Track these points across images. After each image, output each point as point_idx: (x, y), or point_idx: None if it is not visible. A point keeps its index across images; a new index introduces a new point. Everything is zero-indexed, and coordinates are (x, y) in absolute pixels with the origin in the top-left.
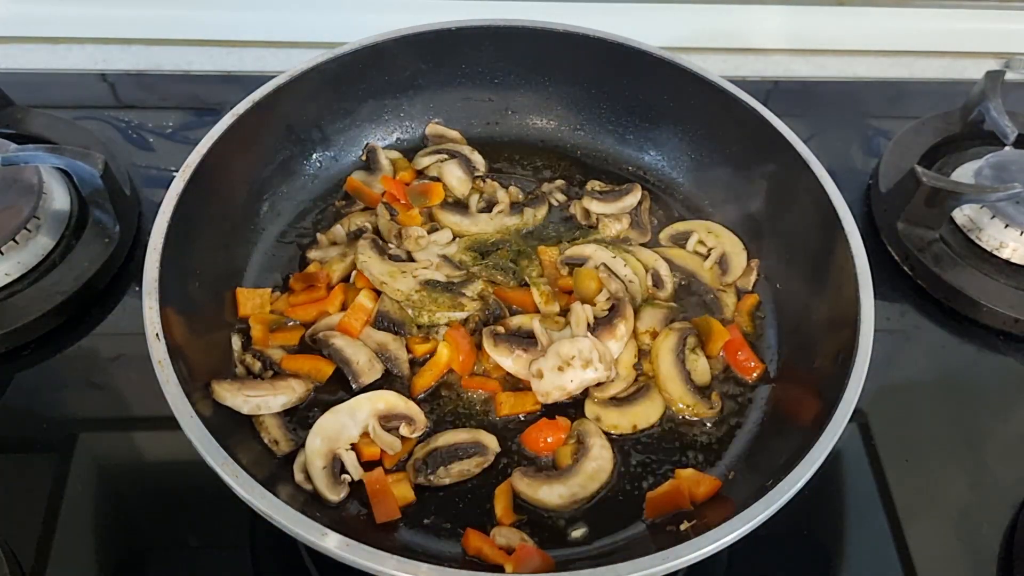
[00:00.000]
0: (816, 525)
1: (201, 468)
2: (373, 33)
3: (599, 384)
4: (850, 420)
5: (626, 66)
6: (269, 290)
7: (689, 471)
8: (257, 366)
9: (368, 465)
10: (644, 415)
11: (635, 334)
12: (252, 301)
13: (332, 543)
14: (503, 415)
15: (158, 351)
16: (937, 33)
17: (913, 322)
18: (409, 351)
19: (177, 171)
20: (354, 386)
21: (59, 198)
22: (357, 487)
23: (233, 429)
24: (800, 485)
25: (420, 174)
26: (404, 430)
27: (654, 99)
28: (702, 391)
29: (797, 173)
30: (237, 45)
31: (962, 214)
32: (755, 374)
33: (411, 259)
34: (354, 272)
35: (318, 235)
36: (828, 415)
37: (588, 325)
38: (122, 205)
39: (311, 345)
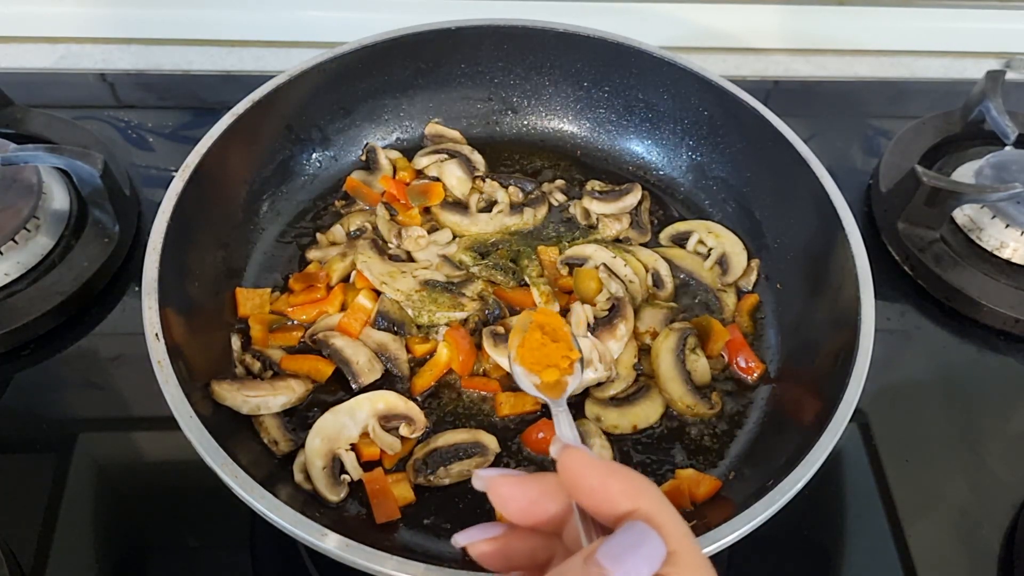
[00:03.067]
0: (816, 525)
1: (201, 468)
2: (373, 33)
3: (599, 384)
4: (850, 420)
5: (626, 66)
6: (269, 290)
7: (689, 471)
8: (257, 366)
9: (368, 465)
10: (644, 415)
11: (635, 334)
12: (252, 301)
13: (332, 543)
14: (503, 415)
15: (158, 351)
16: (937, 33)
17: (913, 322)
18: (409, 351)
19: (177, 171)
20: (354, 386)
21: (59, 198)
22: (357, 487)
23: (233, 429)
24: (800, 485)
25: (420, 174)
26: (404, 430)
27: (654, 99)
28: (702, 391)
29: (797, 173)
30: (237, 45)
31: (962, 214)
32: (755, 374)
33: (411, 259)
34: (354, 272)
35: (318, 235)
36: (828, 415)
37: (588, 325)
38: (122, 205)
39: (311, 345)
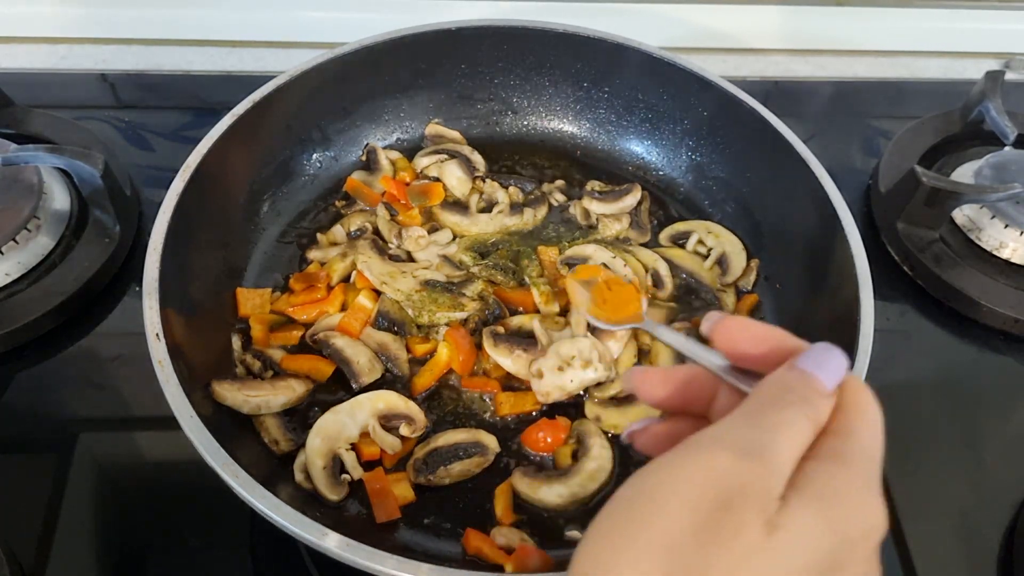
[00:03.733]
0: None
1: (201, 468)
2: (373, 33)
3: (599, 384)
4: None
5: (626, 66)
6: (269, 290)
7: None
8: (257, 366)
9: (368, 465)
10: (644, 415)
11: (635, 334)
12: (252, 301)
13: (332, 543)
14: (503, 415)
15: (158, 351)
16: (937, 33)
17: (913, 322)
18: (409, 351)
19: (177, 171)
20: (354, 386)
21: (59, 198)
22: (357, 487)
23: (233, 429)
24: None
25: (420, 174)
26: (404, 430)
27: (654, 99)
28: None
29: (797, 173)
30: (237, 45)
31: (962, 214)
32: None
33: (411, 259)
34: (354, 272)
35: (318, 235)
36: None
37: (588, 325)
38: (122, 205)
39: (311, 345)
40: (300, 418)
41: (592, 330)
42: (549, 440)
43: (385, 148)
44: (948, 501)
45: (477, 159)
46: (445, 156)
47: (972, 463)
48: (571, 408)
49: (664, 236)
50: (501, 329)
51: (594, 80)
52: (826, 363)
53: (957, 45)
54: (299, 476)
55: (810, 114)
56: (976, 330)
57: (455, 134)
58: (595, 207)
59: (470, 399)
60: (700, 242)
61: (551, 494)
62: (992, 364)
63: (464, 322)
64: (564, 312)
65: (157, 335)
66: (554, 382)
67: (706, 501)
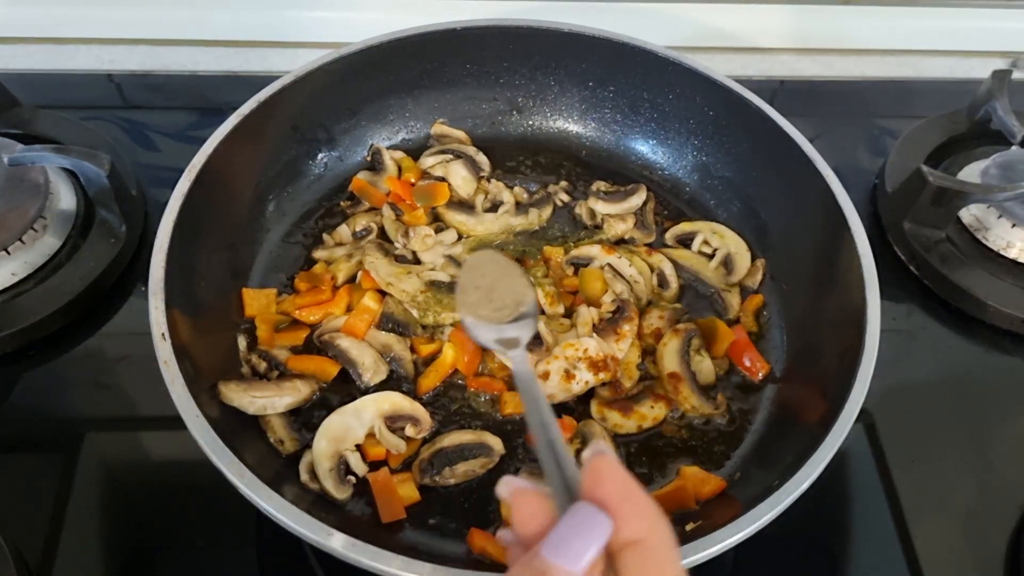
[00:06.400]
0: (822, 525)
1: (207, 468)
2: (378, 33)
3: (604, 384)
4: (856, 420)
5: (631, 66)
6: (275, 290)
7: (694, 471)
8: (263, 366)
9: (374, 465)
10: (649, 415)
11: (640, 334)
12: (258, 301)
13: (337, 543)
14: (508, 414)
15: (164, 351)
16: (944, 32)
17: (920, 322)
18: (414, 352)
19: (183, 171)
20: (360, 387)
21: (65, 198)
22: (362, 487)
23: (239, 429)
24: (806, 485)
25: (425, 174)
26: (410, 431)
27: (660, 99)
28: (707, 391)
29: (803, 173)
30: (243, 45)
31: (969, 214)
32: (761, 374)
33: (417, 260)
34: (359, 273)
35: (324, 236)
36: (834, 415)
37: (593, 326)
38: (128, 205)
39: (317, 346)
40: (306, 418)
41: (597, 330)
42: None
43: (390, 148)
44: (954, 501)
45: (482, 159)
46: (450, 156)
47: (979, 464)
48: (576, 408)
49: (669, 236)
50: None
51: (600, 80)
52: (568, 545)
53: (964, 44)
54: (305, 476)
55: (817, 113)
56: (983, 330)
57: (460, 134)
58: (600, 207)
59: (475, 399)
60: (705, 242)
61: None
62: (999, 364)
63: None
64: (569, 313)
65: (163, 335)
66: (559, 383)
67: None
